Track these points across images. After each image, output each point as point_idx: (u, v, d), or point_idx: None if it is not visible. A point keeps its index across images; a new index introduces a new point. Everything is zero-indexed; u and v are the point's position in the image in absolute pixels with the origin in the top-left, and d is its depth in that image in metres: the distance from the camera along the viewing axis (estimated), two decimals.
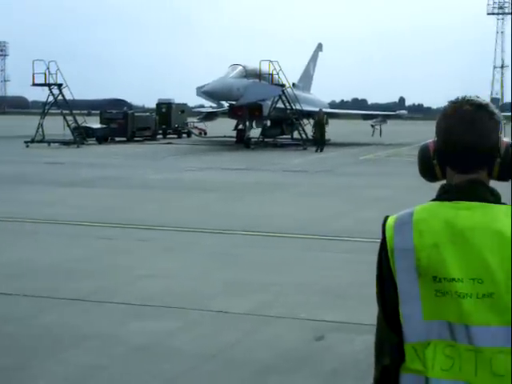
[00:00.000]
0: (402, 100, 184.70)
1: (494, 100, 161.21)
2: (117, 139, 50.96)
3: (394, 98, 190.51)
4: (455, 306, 2.69)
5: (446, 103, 2.89)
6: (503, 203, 2.79)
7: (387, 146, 47.43)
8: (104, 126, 50.71)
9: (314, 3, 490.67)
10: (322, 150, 41.15)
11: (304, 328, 8.35)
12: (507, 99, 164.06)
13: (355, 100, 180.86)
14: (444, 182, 2.90)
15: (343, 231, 14.29)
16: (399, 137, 57.03)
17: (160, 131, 57.62)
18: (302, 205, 18.83)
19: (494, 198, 2.80)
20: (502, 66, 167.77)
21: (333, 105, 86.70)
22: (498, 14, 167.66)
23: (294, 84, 54.19)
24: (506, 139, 2.85)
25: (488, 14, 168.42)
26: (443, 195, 2.84)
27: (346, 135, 58.30)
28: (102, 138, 49.62)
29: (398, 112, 59.66)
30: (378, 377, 2.92)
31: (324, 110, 51.88)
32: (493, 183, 2.85)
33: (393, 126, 58.60)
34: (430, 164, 2.92)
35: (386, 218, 2.89)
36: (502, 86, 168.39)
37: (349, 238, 13.56)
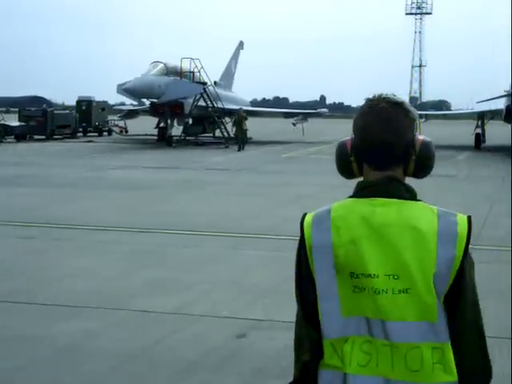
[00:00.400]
0: (322, 98, 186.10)
1: (412, 98, 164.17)
2: (36, 137, 50.04)
3: (315, 97, 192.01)
4: (372, 302, 2.73)
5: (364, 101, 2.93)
6: (419, 200, 2.85)
7: (309, 143, 47.78)
8: (23, 123, 49.75)
9: (236, 1, 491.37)
10: (242, 149, 40.99)
11: (227, 326, 8.37)
12: (425, 98, 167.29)
13: (276, 98, 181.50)
14: (361, 178, 2.93)
15: (266, 229, 14.36)
16: (320, 135, 57.53)
17: (80, 129, 56.76)
18: (226, 203, 18.84)
19: (410, 194, 2.85)
20: (420, 66, 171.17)
21: (254, 103, 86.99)
22: (416, 14, 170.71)
23: (215, 82, 54.13)
24: (421, 137, 2.90)
25: (406, 13, 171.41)
26: (360, 192, 2.88)
27: (268, 133, 58.53)
28: (21, 135, 48.67)
29: (318, 110, 60.11)
30: (297, 374, 2.95)
31: (245, 108, 52.03)
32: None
33: (314, 124, 59.04)
34: (347, 161, 2.96)
35: (304, 215, 2.92)
36: (420, 85, 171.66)
37: (272, 235, 13.62)
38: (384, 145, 2.80)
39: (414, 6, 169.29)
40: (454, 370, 2.73)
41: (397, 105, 2.85)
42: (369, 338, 2.75)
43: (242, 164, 31.34)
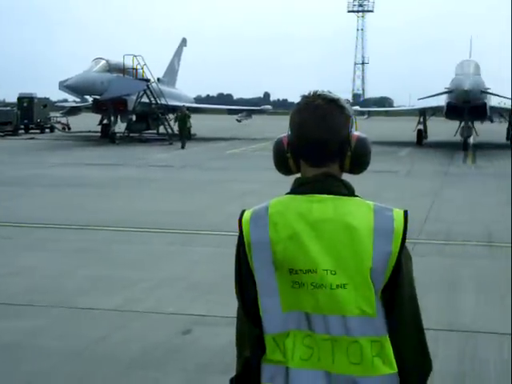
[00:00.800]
0: (266, 95, 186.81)
1: (355, 95, 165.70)
2: None
3: (259, 94, 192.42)
4: (311, 297, 2.75)
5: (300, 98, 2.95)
6: (356, 196, 2.87)
7: (253, 140, 47.89)
8: None
9: None
10: (184, 145, 40.46)
11: (171, 322, 8.34)
12: (368, 95, 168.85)
13: (221, 95, 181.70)
14: (299, 175, 2.95)
15: (211, 225, 14.35)
16: (265, 131, 57.65)
17: (22, 126, 56.06)
18: (170, 200, 18.76)
19: (347, 190, 2.87)
20: (363, 63, 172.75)
21: (198, 99, 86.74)
22: (358, 11, 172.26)
23: (158, 79, 53.89)
24: (356, 133, 2.92)
25: (349, 11, 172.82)
26: (297, 188, 2.89)
27: (213, 130, 58.52)
28: None
29: (262, 107, 60.26)
30: (239, 369, 2.97)
31: (189, 105, 51.92)
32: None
33: (258, 120, 59.21)
34: (284, 158, 2.97)
35: (243, 212, 2.93)
36: (362, 82, 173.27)
37: (217, 232, 13.62)
38: (319, 142, 2.82)
39: (355, 3, 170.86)
40: (394, 363, 2.77)
41: (332, 102, 2.86)
42: (309, 332, 2.78)
43: (186, 161, 31.25)
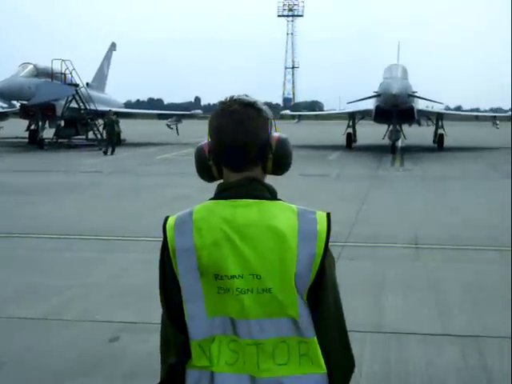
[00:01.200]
0: (197, 100, 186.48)
1: (286, 99, 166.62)
2: None
3: (189, 98, 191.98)
4: (236, 302, 2.77)
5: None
6: (279, 199, 2.89)
7: (184, 145, 47.67)
8: None
9: (108, 2, 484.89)
10: (112, 152, 39.48)
11: (99, 330, 8.26)
12: (299, 99, 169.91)
13: (151, 100, 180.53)
14: (222, 180, 2.96)
15: (141, 231, 14.24)
16: (196, 136, 57.45)
17: None
18: (99, 206, 18.59)
19: (271, 194, 2.89)
20: (293, 67, 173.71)
21: (128, 104, 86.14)
22: (288, 16, 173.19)
23: (87, 84, 53.29)
24: (276, 134, 2.94)
25: (279, 15, 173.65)
26: (221, 193, 2.91)
27: (143, 135, 58.11)
28: None
29: (193, 112, 60.08)
30: (163, 376, 2.97)
31: (119, 110, 51.45)
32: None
33: (189, 125, 59.00)
34: (206, 165, 2.98)
35: (166, 218, 2.93)
36: (293, 86, 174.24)
37: (147, 237, 13.51)
38: (239, 146, 2.83)
39: (285, 8, 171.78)
40: (322, 363, 2.82)
41: (249, 105, 2.88)
42: (234, 337, 2.80)
43: (116, 166, 30.97)
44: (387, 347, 7.74)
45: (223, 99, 2.92)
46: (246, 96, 2.93)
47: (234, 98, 2.90)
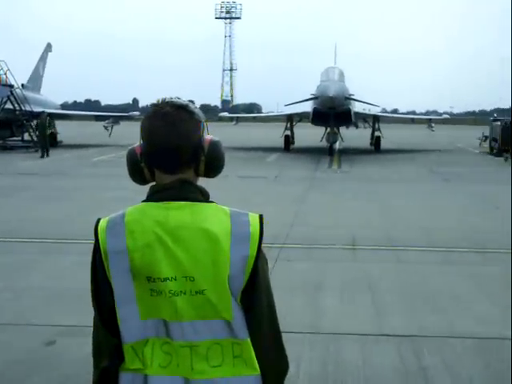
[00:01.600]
0: (135, 101, 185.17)
1: (224, 102, 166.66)
2: None
3: (127, 99, 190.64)
4: (169, 305, 2.78)
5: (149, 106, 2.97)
6: (212, 201, 2.90)
7: (122, 146, 47.29)
8: None
9: (43, 2, 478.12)
10: (47, 152, 38.71)
11: (35, 334, 8.14)
12: (237, 101, 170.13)
13: (88, 101, 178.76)
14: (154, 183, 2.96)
15: (77, 234, 14.06)
16: (133, 138, 56.88)
17: None
18: (35, 208, 18.30)
19: (203, 196, 2.91)
20: (231, 69, 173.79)
21: (65, 106, 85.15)
22: (225, 18, 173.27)
23: (23, 85, 52.45)
24: (208, 137, 2.95)
25: (216, 18, 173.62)
26: (153, 196, 2.91)
27: (80, 137, 57.51)
28: None
29: (130, 113, 59.63)
30: (96, 380, 2.96)
31: (55, 111, 50.81)
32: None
33: (127, 127, 58.57)
34: (138, 167, 2.98)
35: (98, 220, 2.92)
36: (231, 88, 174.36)
37: (84, 240, 13.35)
38: (171, 149, 2.84)
39: (223, 10, 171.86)
40: (256, 365, 2.84)
41: (181, 108, 2.89)
42: (168, 339, 2.80)
43: (53, 168, 30.57)
44: (325, 348, 7.79)
45: (155, 101, 2.92)
46: (179, 98, 2.94)
47: (167, 100, 2.91)
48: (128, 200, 2.68)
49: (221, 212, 2.84)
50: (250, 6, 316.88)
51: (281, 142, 45.76)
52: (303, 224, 15.77)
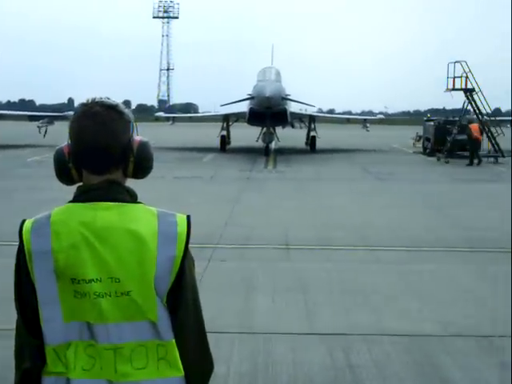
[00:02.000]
0: (71, 101, 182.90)
1: (161, 101, 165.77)
2: None
3: (63, 99, 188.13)
4: (94, 307, 2.76)
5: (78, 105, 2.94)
6: (139, 202, 2.89)
7: (53, 146, 46.76)
8: None
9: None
10: None
11: None
12: (174, 101, 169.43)
13: (22, 101, 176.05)
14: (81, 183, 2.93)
15: (5, 235, 13.84)
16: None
17: None
18: None
19: (131, 197, 2.89)
20: (168, 69, 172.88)
21: None
22: (163, 17, 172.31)
23: None
24: (138, 138, 2.94)
25: (154, 17, 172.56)
26: (80, 196, 2.88)
27: (13, 137, 56.60)
28: None
29: (65, 113, 58.93)
30: (17, 381, 2.92)
31: None
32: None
33: (62, 126, 57.87)
34: (65, 167, 2.95)
35: (23, 221, 2.89)
36: (168, 88, 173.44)
37: (10, 242, 13.14)
38: (100, 148, 2.82)
39: (161, 9, 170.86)
40: (180, 366, 2.84)
41: (110, 108, 2.88)
42: (91, 342, 2.78)
43: None
44: (256, 347, 7.81)
45: (85, 101, 2.90)
46: (108, 99, 2.92)
47: (96, 100, 2.89)
48: (61, 201, 2.65)
49: (148, 213, 2.84)
50: (188, 5, 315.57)
51: (217, 142, 45.72)
52: (237, 224, 15.79)
